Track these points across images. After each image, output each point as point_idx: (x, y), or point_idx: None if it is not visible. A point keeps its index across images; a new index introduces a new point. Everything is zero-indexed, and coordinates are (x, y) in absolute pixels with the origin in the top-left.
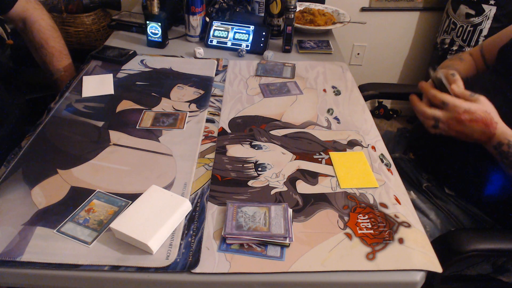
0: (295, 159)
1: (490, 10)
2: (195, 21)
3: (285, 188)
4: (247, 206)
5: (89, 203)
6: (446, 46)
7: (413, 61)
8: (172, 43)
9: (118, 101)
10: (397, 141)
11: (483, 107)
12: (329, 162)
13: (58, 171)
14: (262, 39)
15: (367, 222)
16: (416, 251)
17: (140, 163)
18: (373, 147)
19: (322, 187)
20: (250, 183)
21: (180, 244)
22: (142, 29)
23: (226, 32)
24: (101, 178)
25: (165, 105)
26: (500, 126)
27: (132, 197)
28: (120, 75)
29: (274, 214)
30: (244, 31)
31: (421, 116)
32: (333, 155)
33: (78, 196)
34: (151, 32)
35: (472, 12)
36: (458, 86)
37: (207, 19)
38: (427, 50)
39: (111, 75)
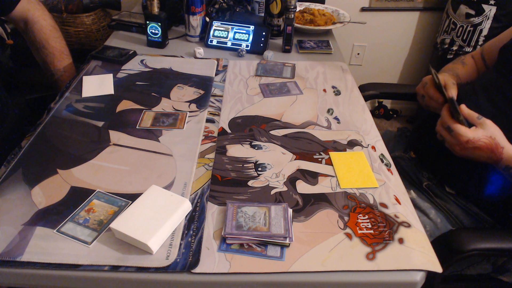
0: (295, 159)
1: (490, 10)
2: (195, 21)
3: (285, 188)
4: (247, 206)
5: (89, 203)
6: (446, 46)
7: (413, 61)
8: (172, 43)
9: (118, 101)
10: (397, 140)
11: (487, 133)
12: (329, 162)
13: (58, 171)
14: (262, 39)
15: (367, 222)
16: (416, 251)
17: (140, 163)
18: (373, 147)
19: (322, 187)
20: (250, 183)
21: (180, 244)
22: (142, 29)
23: (226, 32)
24: (101, 178)
25: (165, 105)
26: (507, 150)
27: (132, 197)
28: (120, 75)
29: (274, 214)
30: (244, 31)
31: (436, 127)
32: (333, 155)
33: (78, 196)
34: (151, 32)
35: (472, 12)
36: (451, 93)
37: (207, 19)
38: (427, 50)
39: (111, 75)
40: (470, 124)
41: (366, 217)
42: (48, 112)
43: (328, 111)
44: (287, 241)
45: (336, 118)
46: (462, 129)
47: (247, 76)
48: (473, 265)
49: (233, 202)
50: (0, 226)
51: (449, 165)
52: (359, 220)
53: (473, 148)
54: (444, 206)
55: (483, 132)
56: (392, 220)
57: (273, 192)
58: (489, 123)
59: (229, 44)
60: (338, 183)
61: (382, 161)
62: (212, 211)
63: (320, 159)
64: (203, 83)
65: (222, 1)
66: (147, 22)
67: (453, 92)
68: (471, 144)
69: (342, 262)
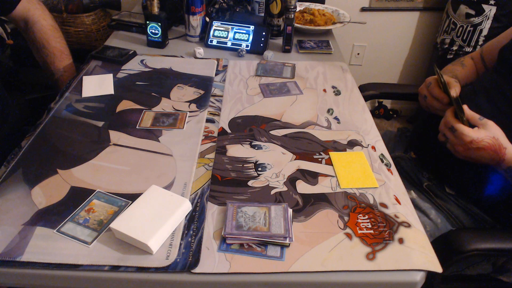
0: (295, 159)
1: (490, 10)
2: (195, 21)
3: (285, 188)
4: (247, 206)
5: (89, 203)
6: (446, 46)
7: (413, 61)
8: (172, 43)
9: (118, 101)
10: (397, 140)
11: (490, 133)
12: (329, 162)
13: (58, 171)
14: (262, 39)
15: (367, 222)
16: (416, 251)
17: (140, 163)
18: (373, 147)
19: (322, 187)
20: (250, 183)
21: (180, 244)
22: (142, 29)
23: (226, 32)
24: (101, 178)
25: (165, 105)
26: (510, 151)
27: (132, 197)
28: (120, 75)
29: (274, 214)
30: (244, 31)
31: (440, 127)
32: (333, 155)
33: (78, 196)
34: (151, 32)
35: (472, 12)
36: (456, 92)
37: (207, 19)
38: (427, 50)
39: (111, 75)
40: (471, 126)
41: (366, 217)
42: (48, 112)
43: (328, 111)
44: (287, 241)
45: (336, 118)
46: (466, 129)
47: (247, 76)
48: (473, 265)
49: (233, 202)
50: (0, 226)
51: (449, 166)
52: (359, 220)
53: (476, 148)
54: (444, 207)
55: (486, 132)
56: (392, 220)
57: (273, 192)
58: (491, 124)
59: (229, 44)
60: (338, 183)
61: (382, 161)
62: (212, 211)
63: (320, 159)
64: (203, 83)
65: (222, 1)
66: (147, 22)
67: (456, 91)
68: (475, 144)
69: (342, 262)
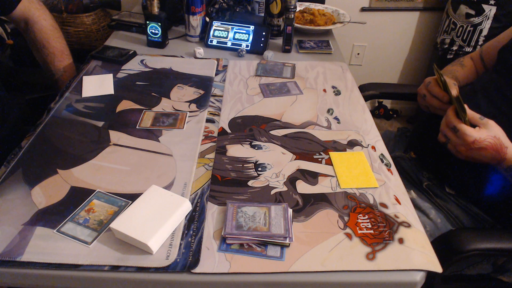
0: (295, 159)
1: (490, 10)
2: (195, 21)
3: (285, 188)
4: (247, 206)
5: (89, 203)
6: (446, 46)
7: (413, 61)
8: (172, 43)
9: (118, 101)
10: (397, 140)
11: (491, 133)
12: (329, 162)
13: (58, 171)
14: (262, 39)
15: (367, 222)
16: (416, 251)
17: (140, 163)
18: (373, 147)
19: (322, 187)
20: (250, 183)
21: (180, 244)
22: (142, 29)
23: (226, 32)
24: (101, 178)
25: (165, 105)
26: (510, 150)
27: (132, 197)
28: (120, 75)
29: (274, 214)
30: (244, 31)
31: (441, 127)
32: (333, 155)
33: (78, 196)
34: (151, 32)
35: (472, 12)
36: (456, 92)
37: (207, 19)
38: (427, 50)
39: (111, 75)
40: (472, 125)
41: (366, 217)
42: (48, 112)
43: (328, 111)
44: (287, 241)
45: (336, 118)
46: (468, 129)
47: (247, 76)
48: (473, 265)
49: (233, 202)
50: (0, 226)
51: (449, 165)
52: (359, 220)
53: (478, 148)
54: (444, 206)
55: (487, 132)
56: (392, 220)
57: (273, 192)
58: (492, 124)
59: (229, 44)
60: (338, 183)
61: (382, 161)
62: (212, 211)
63: (320, 159)
64: (203, 83)
65: (222, 1)
66: (147, 22)
67: (456, 92)
68: (477, 144)
69: (342, 262)
